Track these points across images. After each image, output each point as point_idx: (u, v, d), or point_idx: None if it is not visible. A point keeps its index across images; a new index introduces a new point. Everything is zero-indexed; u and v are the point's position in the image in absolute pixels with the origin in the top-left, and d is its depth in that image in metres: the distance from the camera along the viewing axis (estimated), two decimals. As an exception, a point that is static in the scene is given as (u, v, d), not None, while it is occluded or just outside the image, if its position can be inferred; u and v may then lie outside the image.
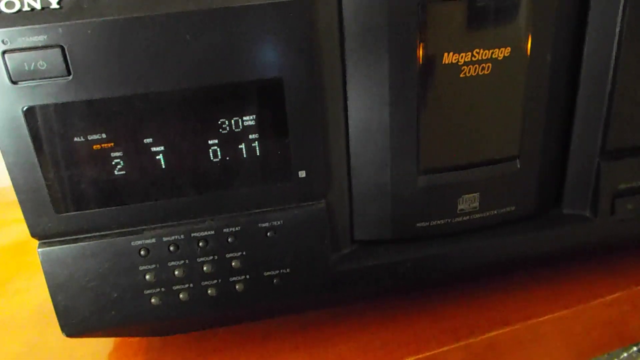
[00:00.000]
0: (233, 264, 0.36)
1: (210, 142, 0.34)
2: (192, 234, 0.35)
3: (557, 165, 0.41)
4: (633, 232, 0.42)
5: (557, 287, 0.45)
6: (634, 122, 0.39)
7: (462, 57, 0.34)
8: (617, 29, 0.36)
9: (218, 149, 0.34)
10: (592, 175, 0.40)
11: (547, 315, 0.43)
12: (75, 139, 0.33)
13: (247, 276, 0.37)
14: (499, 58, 0.35)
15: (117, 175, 0.34)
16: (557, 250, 0.42)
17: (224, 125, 0.34)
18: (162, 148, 0.34)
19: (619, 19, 0.35)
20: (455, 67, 0.34)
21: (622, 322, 0.46)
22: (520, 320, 0.42)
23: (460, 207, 0.39)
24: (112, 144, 0.33)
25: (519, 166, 0.39)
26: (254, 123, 0.34)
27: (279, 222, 0.36)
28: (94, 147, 0.33)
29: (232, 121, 0.34)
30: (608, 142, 0.39)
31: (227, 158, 0.34)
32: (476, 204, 0.39)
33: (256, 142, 0.34)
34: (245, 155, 0.34)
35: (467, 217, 0.39)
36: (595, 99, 0.38)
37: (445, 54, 0.34)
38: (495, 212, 0.40)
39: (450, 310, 0.43)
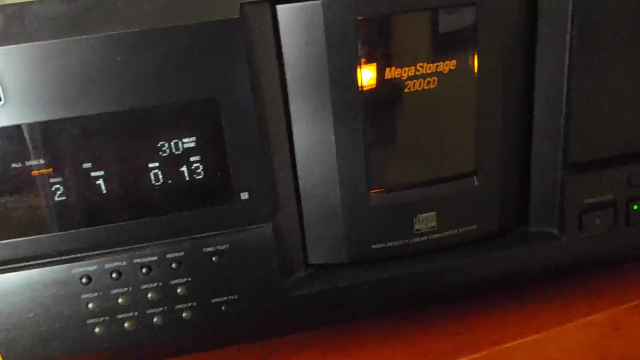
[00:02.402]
0: (178, 290, 0.35)
1: (150, 165, 0.33)
2: (135, 260, 0.34)
3: (520, 181, 0.39)
4: (604, 248, 0.40)
5: (531, 308, 0.43)
6: (595, 134, 0.37)
7: (405, 71, 0.33)
8: (568, 41, 0.34)
9: (159, 172, 0.33)
10: (556, 190, 0.38)
11: (520, 339, 0.41)
12: (13, 165, 0.32)
13: (194, 303, 0.35)
14: (445, 71, 0.34)
15: (57, 201, 0.33)
16: (525, 270, 0.40)
17: (163, 148, 0.33)
18: (102, 173, 0.33)
19: (568, 29, 0.34)
20: (399, 82, 0.33)
21: (604, 345, 0.44)
22: (490, 345, 0.40)
23: (416, 227, 0.37)
24: (51, 169, 0.33)
25: (476, 183, 0.37)
26: (193, 145, 0.33)
27: (224, 247, 0.35)
28: (33, 173, 0.33)
29: (172, 143, 0.33)
30: (569, 155, 0.37)
31: (169, 181, 0.33)
32: (434, 224, 0.37)
33: (196, 163, 0.33)
34: (186, 178, 0.33)
35: (425, 238, 0.38)
36: (552, 112, 0.37)
37: (388, 69, 0.33)
38: (455, 231, 0.38)
39: (413, 335, 0.41)
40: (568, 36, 0.34)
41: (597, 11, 0.34)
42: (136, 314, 0.35)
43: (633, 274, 0.45)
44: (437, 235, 0.38)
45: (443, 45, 0.33)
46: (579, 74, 0.35)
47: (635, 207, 0.39)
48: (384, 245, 0.37)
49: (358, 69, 0.33)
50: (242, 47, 0.31)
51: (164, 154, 0.33)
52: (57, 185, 0.33)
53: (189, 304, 0.35)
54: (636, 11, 0.34)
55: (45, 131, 0.32)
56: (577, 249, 0.40)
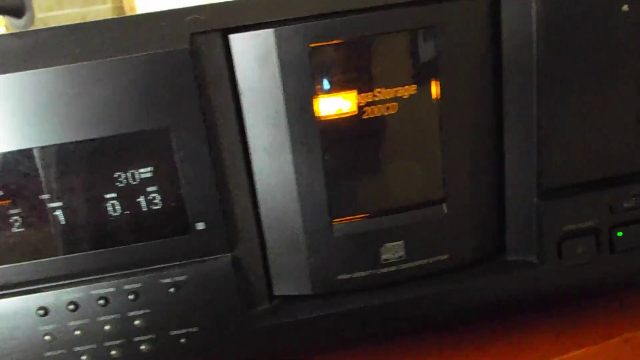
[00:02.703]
0: (136, 322, 0.34)
1: (107, 195, 0.33)
2: (91, 292, 0.34)
3: (494, 208, 0.37)
4: (588, 277, 0.38)
5: (515, 341, 0.40)
6: (570, 158, 0.35)
7: (362, 97, 0.32)
8: (536, 64, 0.33)
9: (116, 203, 0.33)
10: (533, 217, 0.37)
11: (502, 375, 0.39)
12: (-29, 197, 0.32)
13: (153, 336, 0.34)
14: (405, 97, 0.33)
15: (15, 232, 0.33)
16: (504, 300, 0.38)
17: (119, 179, 0.33)
18: (60, 204, 0.33)
19: (535, 52, 0.33)
20: (357, 109, 0.33)
21: (595, 381, 0.41)
22: (469, 381, 0.38)
23: (384, 256, 0.36)
24: (9, 200, 0.33)
25: (446, 211, 0.36)
26: (149, 175, 0.33)
27: (182, 278, 0.34)
28: (-10, 204, 0.33)
29: (128, 174, 0.33)
30: (544, 180, 0.36)
31: (126, 212, 0.33)
32: (402, 253, 0.36)
33: (152, 194, 0.33)
34: (142, 208, 0.33)
35: (394, 268, 0.36)
36: (524, 136, 0.35)
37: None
38: (426, 261, 0.37)
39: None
40: (535, 59, 0.33)
41: (564, 32, 0.33)
42: (94, 346, 0.34)
43: (624, 303, 0.42)
44: (406, 265, 0.36)
45: (401, 70, 0.33)
46: (550, 97, 0.34)
47: (620, 234, 0.37)
48: (350, 276, 0.36)
49: (314, 97, 0.32)
50: (192, 77, 0.31)
51: (120, 184, 0.33)
52: (16, 217, 0.33)
53: (147, 337, 0.34)
54: (604, 32, 0.33)
55: (2, 163, 0.32)
56: (559, 278, 0.37)
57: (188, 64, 0.30)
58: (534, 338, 0.41)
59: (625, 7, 0.32)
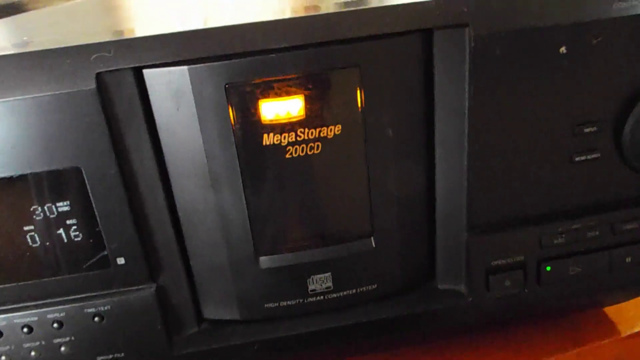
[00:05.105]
0: (62, 349, 0.35)
1: (25, 228, 0.33)
2: (15, 321, 0.34)
3: (423, 240, 0.37)
4: (516, 307, 0.38)
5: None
6: (500, 195, 0.35)
7: (284, 137, 0.31)
8: (466, 101, 0.32)
9: (35, 235, 0.33)
10: (462, 250, 0.36)
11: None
12: None
13: (79, 361, 0.35)
14: (329, 137, 0.32)
15: None
16: (432, 327, 0.39)
17: (37, 212, 0.32)
18: (-21, 234, 0.33)
19: (465, 89, 0.31)
20: (279, 148, 0.32)
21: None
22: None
23: (311, 287, 0.36)
24: None
25: (374, 244, 0.35)
26: (67, 209, 0.32)
27: (106, 307, 0.34)
28: None
29: (45, 208, 0.32)
30: (474, 216, 0.35)
31: (46, 244, 0.33)
32: (329, 284, 0.36)
33: (71, 230, 0.32)
34: (64, 241, 0.33)
35: (322, 297, 0.36)
36: (454, 172, 0.34)
37: (265, 135, 0.31)
38: (354, 291, 0.37)
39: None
40: (467, 98, 0.32)
41: (498, 72, 0.31)
42: (21, 370, 0.35)
43: (549, 328, 0.43)
44: (334, 295, 0.36)
45: (325, 110, 0.31)
46: (481, 136, 0.33)
47: (548, 269, 0.37)
48: (277, 304, 0.36)
49: (232, 136, 0.31)
50: (101, 117, 0.29)
51: (38, 218, 0.32)
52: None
53: (74, 362, 0.35)
54: (540, 73, 0.31)
55: None
56: (486, 308, 0.38)
57: (95, 104, 0.29)
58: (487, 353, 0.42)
59: (563, 49, 0.31)
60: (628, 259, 0.38)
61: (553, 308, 0.40)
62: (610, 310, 0.45)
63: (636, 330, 0.43)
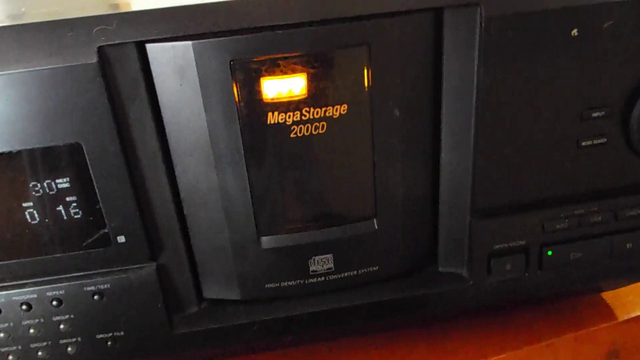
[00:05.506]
0: (61, 327, 0.34)
1: (24, 204, 0.32)
2: (14, 298, 0.34)
3: (426, 223, 0.37)
4: (516, 291, 0.38)
5: (440, 346, 0.42)
6: (504, 180, 0.34)
7: (289, 116, 0.31)
8: (475, 83, 0.31)
9: (34, 212, 0.32)
10: (464, 234, 0.36)
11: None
12: None
13: (78, 339, 0.35)
14: (335, 116, 0.31)
15: None
16: (432, 310, 0.39)
17: (36, 188, 0.32)
18: (-24, 210, 0.32)
19: (475, 71, 0.31)
20: (284, 127, 0.31)
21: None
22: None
23: (312, 268, 0.36)
24: None
25: (376, 226, 0.35)
26: (67, 185, 0.31)
27: (105, 286, 0.34)
28: None
29: (45, 184, 0.31)
30: (478, 200, 0.35)
31: (46, 221, 0.32)
32: (330, 265, 0.36)
33: (71, 207, 0.32)
34: (63, 218, 0.32)
35: (323, 278, 0.36)
36: (460, 157, 0.34)
37: (270, 114, 0.31)
38: (355, 272, 0.37)
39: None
40: (476, 81, 0.31)
41: (508, 55, 0.31)
42: (19, 347, 0.35)
43: (548, 312, 0.43)
44: (335, 276, 0.36)
45: (331, 89, 0.31)
46: (488, 119, 0.32)
47: (550, 253, 0.37)
48: (278, 285, 0.36)
49: (237, 114, 0.30)
50: (103, 92, 0.29)
51: (37, 194, 0.32)
52: None
53: (74, 339, 0.35)
54: (551, 56, 0.31)
55: None
56: (487, 292, 0.38)
57: (96, 79, 0.28)
58: (458, 343, 0.42)
59: (574, 32, 0.30)
60: (629, 245, 0.38)
61: (552, 293, 0.40)
62: (607, 295, 0.45)
63: (633, 315, 0.44)
